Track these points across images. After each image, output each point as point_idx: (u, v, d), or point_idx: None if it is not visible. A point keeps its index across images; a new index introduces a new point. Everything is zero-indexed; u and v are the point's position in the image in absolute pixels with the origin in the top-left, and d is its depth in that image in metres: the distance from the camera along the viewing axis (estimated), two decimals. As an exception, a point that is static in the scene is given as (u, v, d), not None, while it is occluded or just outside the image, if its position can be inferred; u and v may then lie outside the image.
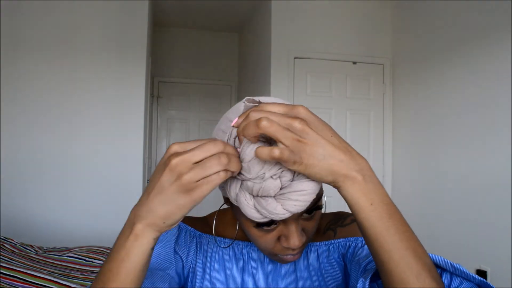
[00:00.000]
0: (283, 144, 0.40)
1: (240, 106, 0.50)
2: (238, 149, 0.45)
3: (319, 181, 0.44)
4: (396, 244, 0.42)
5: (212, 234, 0.68)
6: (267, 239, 0.54)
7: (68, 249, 2.06)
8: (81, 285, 1.59)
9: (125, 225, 0.45)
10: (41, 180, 2.71)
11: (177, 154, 0.40)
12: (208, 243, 0.67)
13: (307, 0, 3.13)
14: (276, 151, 0.40)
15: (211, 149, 0.40)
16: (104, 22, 2.86)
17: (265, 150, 0.41)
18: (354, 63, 3.19)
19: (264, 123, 0.40)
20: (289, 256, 0.55)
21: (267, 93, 3.11)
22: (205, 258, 0.66)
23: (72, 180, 2.75)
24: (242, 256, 0.66)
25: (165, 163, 0.41)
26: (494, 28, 2.20)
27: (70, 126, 2.76)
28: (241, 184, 0.46)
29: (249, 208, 0.46)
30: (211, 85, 4.42)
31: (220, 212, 0.69)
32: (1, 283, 1.47)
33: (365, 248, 0.61)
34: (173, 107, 4.35)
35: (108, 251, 2.06)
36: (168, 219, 0.42)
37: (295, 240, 0.51)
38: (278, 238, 0.54)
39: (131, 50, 2.90)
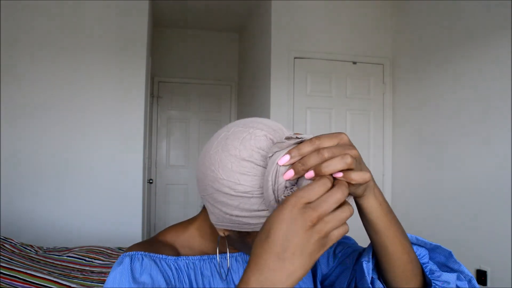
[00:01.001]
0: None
1: (249, 141, 0.49)
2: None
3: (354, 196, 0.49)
4: (396, 231, 0.53)
5: (180, 255, 0.64)
6: None
7: (68, 249, 2.06)
8: (81, 285, 1.59)
9: None
10: (41, 180, 2.71)
11: (313, 208, 0.39)
12: (187, 265, 0.63)
13: (307, 0, 3.13)
14: (368, 174, 0.44)
15: (342, 197, 0.40)
16: (104, 22, 2.86)
17: (360, 175, 0.43)
18: (354, 63, 3.19)
19: (350, 160, 0.42)
20: None
21: (267, 93, 3.11)
22: (188, 281, 0.62)
23: (72, 180, 2.75)
24: (223, 269, 0.65)
25: (303, 220, 0.39)
26: (494, 28, 2.20)
27: (69, 126, 2.76)
28: None
29: None
30: (211, 85, 4.42)
31: (176, 231, 0.66)
32: (1, 283, 1.47)
33: None
34: (173, 107, 4.35)
35: (109, 251, 2.06)
36: (305, 274, 0.40)
37: None
38: None
39: (131, 50, 2.90)
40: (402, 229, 0.54)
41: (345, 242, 0.71)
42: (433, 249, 0.59)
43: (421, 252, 0.59)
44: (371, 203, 0.50)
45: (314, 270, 0.71)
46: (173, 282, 0.59)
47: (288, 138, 0.47)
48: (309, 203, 0.40)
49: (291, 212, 0.39)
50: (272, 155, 0.47)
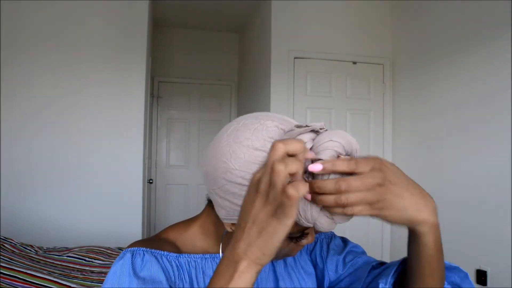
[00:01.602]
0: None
1: (261, 132, 0.49)
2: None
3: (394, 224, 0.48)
4: (441, 265, 0.52)
5: (181, 252, 0.63)
6: (290, 245, 0.57)
7: (68, 249, 2.06)
8: (81, 285, 1.59)
9: (221, 265, 0.44)
10: (41, 180, 2.71)
11: (261, 179, 0.40)
12: (188, 263, 0.62)
13: (307, 0, 3.13)
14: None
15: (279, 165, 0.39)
16: (104, 22, 2.86)
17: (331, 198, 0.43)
18: (354, 63, 3.19)
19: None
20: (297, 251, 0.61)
21: (267, 93, 3.11)
22: (189, 279, 0.62)
23: (72, 180, 2.75)
24: None
25: (254, 190, 0.41)
26: (494, 28, 2.20)
27: (69, 126, 2.76)
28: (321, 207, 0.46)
29: (330, 223, 0.47)
30: (211, 85, 4.42)
31: (178, 230, 0.66)
32: (1, 283, 1.47)
33: (334, 243, 0.71)
34: (173, 107, 4.35)
35: (109, 251, 2.06)
36: (265, 248, 0.41)
37: (312, 238, 0.57)
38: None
39: (131, 50, 2.89)
40: (443, 260, 0.54)
41: (354, 251, 0.70)
42: (450, 269, 0.59)
43: None
44: (426, 238, 0.49)
45: (321, 275, 0.70)
46: (173, 279, 0.58)
47: (298, 126, 0.47)
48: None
49: (251, 188, 0.42)
50: None
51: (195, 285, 0.61)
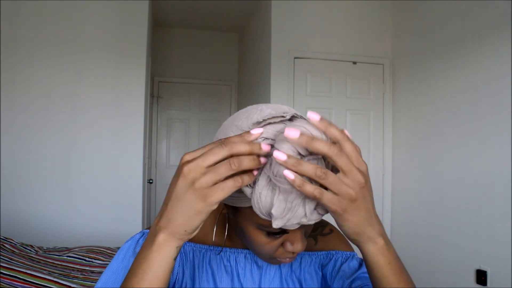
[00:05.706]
0: (334, 192, 0.41)
1: (254, 115, 0.50)
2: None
3: (344, 234, 0.47)
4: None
5: (193, 241, 0.64)
6: (273, 245, 0.55)
7: (68, 249, 2.06)
8: (81, 285, 1.59)
9: (146, 239, 0.46)
10: (41, 180, 2.71)
11: (188, 161, 0.42)
12: (193, 252, 0.64)
13: (307, 0, 3.13)
14: (318, 192, 0.40)
15: (220, 151, 0.41)
16: (104, 22, 2.86)
17: (309, 188, 0.40)
18: (354, 63, 3.19)
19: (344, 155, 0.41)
20: (287, 258, 0.57)
21: (267, 93, 3.11)
22: (192, 268, 0.62)
23: (72, 180, 2.75)
24: (230, 263, 0.65)
25: (178, 171, 0.43)
26: (494, 28, 2.20)
27: (69, 126, 2.76)
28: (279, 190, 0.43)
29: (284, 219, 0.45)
30: (211, 85, 4.42)
31: None
32: (1, 283, 1.47)
33: (347, 264, 0.68)
34: (173, 107, 4.35)
35: (109, 251, 2.06)
36: (187, 226, 0.43)
37: (299, 245, 0.54)
38: (282, 244, 0.55)
39: (131, 50, 2.89)
40: (409, 282, 0.50)
41: (365, 277, 0.66)
42: None
43: None
44: (375, 259, 0.47)
45: None
46: (176, 267, 0.61)
47: (275, 117, 0.49)
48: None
49: (178, 167, 0.44)
50: None
51: (197, 273, 0.62)
